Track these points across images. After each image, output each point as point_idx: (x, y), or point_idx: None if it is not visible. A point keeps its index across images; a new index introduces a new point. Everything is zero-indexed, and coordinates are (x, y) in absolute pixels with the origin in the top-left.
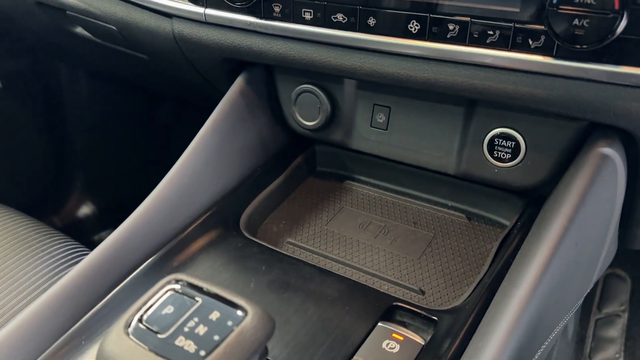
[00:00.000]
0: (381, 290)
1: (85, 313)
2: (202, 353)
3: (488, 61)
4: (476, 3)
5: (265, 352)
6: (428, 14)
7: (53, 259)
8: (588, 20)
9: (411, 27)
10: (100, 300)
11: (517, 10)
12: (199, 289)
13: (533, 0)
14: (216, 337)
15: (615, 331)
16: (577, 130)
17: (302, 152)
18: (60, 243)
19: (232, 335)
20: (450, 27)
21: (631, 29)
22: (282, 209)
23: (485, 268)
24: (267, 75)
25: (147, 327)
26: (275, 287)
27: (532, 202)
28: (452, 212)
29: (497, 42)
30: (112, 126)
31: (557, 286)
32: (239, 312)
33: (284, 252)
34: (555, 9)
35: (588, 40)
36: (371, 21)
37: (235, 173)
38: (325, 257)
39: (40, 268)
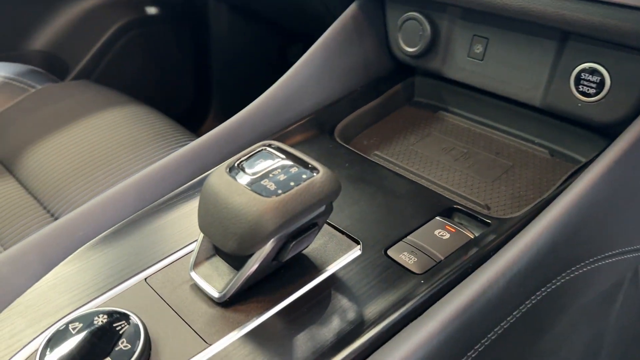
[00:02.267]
0: (446, 196)
1: (200, 174)
2: (279, 191)
3: None
4: None
5: (330, 209)
6: None
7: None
8: None
9: None
10: (214, 166)
11: None
12: (285, 152)
13: None
14: (292, 183)
15: None
16: None
17: (401, 81)
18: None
19: (304, 184)
20: None
21: None
22: (374, 127)
23: (548, 193)
24: (378, 3)
25: (242, 170)
26: (353, 179)
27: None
28: (536, 146)
29: None
30: (247, 60)
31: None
32: (313, 171)
33: (369, 158)
34: None
35: None
36: None
37: (337, 88)
38: (405, 169)
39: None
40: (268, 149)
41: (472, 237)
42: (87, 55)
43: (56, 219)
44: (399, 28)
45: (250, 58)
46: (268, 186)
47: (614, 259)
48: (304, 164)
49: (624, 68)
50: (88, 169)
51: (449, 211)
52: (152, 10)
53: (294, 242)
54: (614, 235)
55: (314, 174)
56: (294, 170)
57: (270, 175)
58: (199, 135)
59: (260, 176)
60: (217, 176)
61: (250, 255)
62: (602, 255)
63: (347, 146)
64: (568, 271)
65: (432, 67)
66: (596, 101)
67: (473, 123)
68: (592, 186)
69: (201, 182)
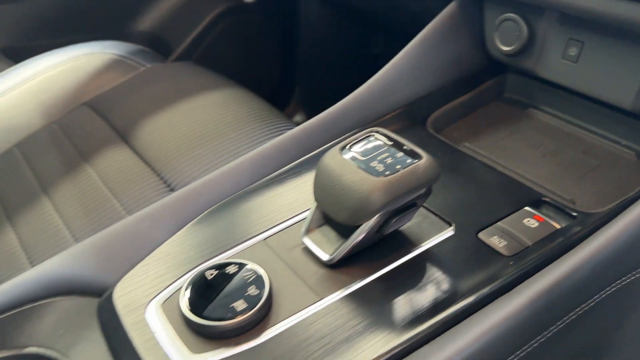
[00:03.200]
0: (535, 189)
1: (306, 155)
2: (387, 173)
3: None
4: None
5: (429, 191)
6: None
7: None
8: None
9: None
10: (317, 149)
11: None
12: (391, 138)
13: None
14: (398, 167)
15: None
16: None
17: (493, 77)
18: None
19: (409, 168)
20: None
21: None
22: (465, 120)
23: (634, 192)
24: (477, 3)
25: (354, 152)
26: (445, 168)
27: None
28: (623, 148)
29: None
30: (331, 48)
31: None
32: (417, 157)
33: (459, 148)
34: None
35: None
36: None
37: (431, 82)
38: (493, 161)
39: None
40: (376, 134)
41: (559, 227)
42: (188, 37)
43: (169, 186)
44: (496, 27)
45: (335, 47)
46: (377, 167)
47: None
48: (409, 150)
49: None
50: (197, 144)
51: (537, 203)
52: None
53: (395, 218)
54: None
55: (418, 160)
56: (400, 155)
57: (379, 158)
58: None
59: (369, 158)
60: (332, 156)
61: (358, 227)
62: None
63: (438, 136)
64: None
65: (525, 66)
66: None
67: (562, 122)
68: None
69: (308, 162)
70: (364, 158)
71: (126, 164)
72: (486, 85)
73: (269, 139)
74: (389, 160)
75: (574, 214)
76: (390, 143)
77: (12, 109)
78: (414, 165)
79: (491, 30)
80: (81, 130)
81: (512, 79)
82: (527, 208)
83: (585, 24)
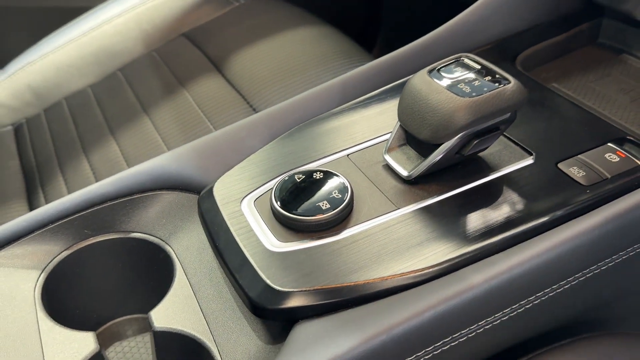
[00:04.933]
0: (620, 128)
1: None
2: (473, 94)
3: None
4: None
5: (513, 117)
6: None
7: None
8: None
9: None
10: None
11: None
12: (480, 63)
13: None
14: (485, 89)
15: None
16: None
17: (589, 21)
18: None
19: (496, 90)
20: None
21: None
22: (555, 62)
23: None
24: None
25: (441, 74)
26: (530, 103)
27: None
28: None
29: None
30: None
31: None
32: (504, 81)
33: (547, 86)
34: None
35: None
36: None
37: (526, 19)
38: (580, 102)
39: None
40: (465, 59)
41: None
42: None
43: (256, 111)
44: None
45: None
46: (464, 89)
47: None
48: (497, 75)
49: None
50: (283, 75)
51: (620, 140)
52: None
53: (477, 141)
54: None
55: (506, 84)
56: (488, 78)
57: (466, 80)
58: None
59: (457, 80)
60: (420, 77)
61: (439, 146)
62: None
63: (527, 74)
64: None
65: (625, 8)
66: None
67: None
68: None
69: (394, 88)
70: (451, 80)
71: (219, 91)
72: (581, 28)
73: None
74: (477, 83)
75: None
76: (479, 67)
77: (117, 35)
78: (501, 88)
79: None
80: (179, 59)
81: (607, 23)
82: (610, 144)
83: None
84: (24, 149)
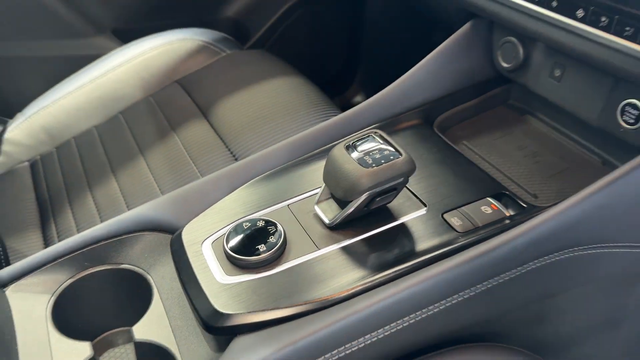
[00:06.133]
0: (504, 183)
1: (329, 144)
2: (374, 165)
3: (623, 49)
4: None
5: (406, 181)
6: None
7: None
8: None
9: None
10: (338, 139)
11: None
12: (384, 139)
13: None
14: (382, 161)
15: None
16: None
17: (500, 86)
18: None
19: (391, 162)
20: (602, 19)
21: None
22: (469, 122)
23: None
24: (487, 25)
25: (354, 148)
26: (436, 161)
27: None
28: (592, 155)
29: (631, 36)
30: (395, 38)
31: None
32: (398, 155)
33: (454, 147)
34: None
35: None
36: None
37: (446, 88)
38: (481, 157)
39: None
40: (373, 135)
41: (507, 214)
42: (265, 26)
43: (234, 156)
44: (499, 47)
45: (397, 37)
46: (367, 160)
47: (614, 250)
48: (393, 149)
49: None
50: (257, 123)
51: (498, 195)
52: None
53: (379, 198)
54: (618, 231)
55: (398, 157)
56: (386, 152)
57: (371, 153)
58: (341, 101)
59: (364, 153)
60: (338, 149)
61: (351, 202)
62: (605, 245)
63: (441, 135)
64: (574, 249)
65: (521, 81)
66: (634, 129)
67: (549, 128)
68: (605, 186)
69: (328, 150)
70: (360, 153)
71: (203, 135)
72: (492, 92)
73: (316, 123)
74: (377, 156)
75: (525, 205)
76: (382, 142)
77: (119, 83)
78: (394, 161)
79: (496, 49)
80: (171, 104)
81: (516, 88)
82: (488, 198)
83: (565, 52)
84: (38, 182)
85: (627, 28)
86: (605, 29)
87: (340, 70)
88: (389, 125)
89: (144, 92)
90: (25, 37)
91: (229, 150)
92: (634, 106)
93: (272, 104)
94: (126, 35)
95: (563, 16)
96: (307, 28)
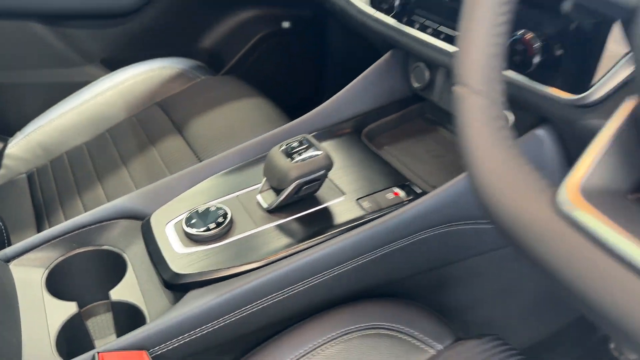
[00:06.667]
0: (408, 176)
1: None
2: (300, 161)
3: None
4: None
5: (326, 174)
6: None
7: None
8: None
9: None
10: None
11: None
12: (310, 141)
13: None
14: (307, 158)
15: None
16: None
17: (417, 102)
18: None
19: (312, 159)
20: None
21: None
22: (393, 131)
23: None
24: (404, 53)
25: (287, 147)
26: (359, 160)
27: None
28: None
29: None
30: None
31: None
32: (319, 152)
33: (375, 150)
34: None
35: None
36: (442, 35)
37: (372, 104)
38: (397, 158)
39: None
40: (304, 139)
41: (406, 199)
42: (237, 55)
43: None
44: (412, 70)
45: (356, 65)
46: (295, 157)
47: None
48: (316, 149)
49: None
50: (222, 137)
51: (402, 186)
52: (286, 24)
53: (305, 187)
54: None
55: (319, 154)
56: (310, 151)
57: (300, 152)
58: None
59: (294, 152)
60: (274, 150)
61: (283, 190)
62: (472, 221)
63: (365, 141)
64: (451, 224)
65: (430, 98)
66: None
67: (453, 135)
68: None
69: None
70: (291, 152)
71: (178, 148)
72: (411, 108)
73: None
74: (303, 154)
75: (419, 191)
76: (308, 144)
77: (106, 105)
78: (315, 157)
79: (410, 72)
80: (151, 123)
81: (428, 104)
82: (393, 187)
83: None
84: (34, 191)
85: (515, 58)
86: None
87: (307, 95)
88: (325, 133)
89: (128, 112)
90: (25, 67)
91: (199, 159)
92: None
93: (237, 122)
94: (113, 63)
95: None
96: (276, 57)
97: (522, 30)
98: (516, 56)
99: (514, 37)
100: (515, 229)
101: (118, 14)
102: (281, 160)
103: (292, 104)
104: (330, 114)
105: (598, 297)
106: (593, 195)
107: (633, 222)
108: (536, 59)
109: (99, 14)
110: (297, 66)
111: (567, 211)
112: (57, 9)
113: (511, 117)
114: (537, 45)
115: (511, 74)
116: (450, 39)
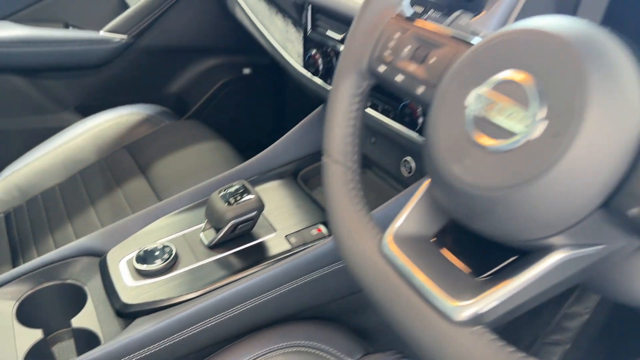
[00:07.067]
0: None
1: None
2: (233, 203)
3: (400, 131)
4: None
5: (258, 215)
6: (383, 105)
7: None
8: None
9: (379, 109)
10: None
11: None
12: (244, 186)
13: None
14: (240, 200)
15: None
16: None
17: None
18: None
19: (244, 202)
20: (390, 114)
21: None
22: None
23: None
24: None
25: (225, 192)
26: (293, 199)
27: None
28: (395, 191)
29: (408, 124)
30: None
31: None
32: (252, 196)
33: (307, 191)
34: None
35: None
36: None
37: (307, 149)
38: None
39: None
40: (240, 184)
41: (328, 235)
42: (201, 100)
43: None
44: None
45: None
46: (231, 201)
47: None
48: (250, 193)
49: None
50: (182, 179)
51: (326, 222)
52: (247, 71)
53: (240, 226)
54: None
55: (252, 197)
56: (245, 195)
57: (235, 196)
58: None
59: (230, 196)
60: (214, 194)
61: (222, 229)
62: None
63: (300, 183)
64: None
65: None
66: (409, 176)
67: (378, 178)
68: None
69: None
70: (227, 196)
71: (142, 190)
72: None
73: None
74: (238, 198)
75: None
76: (243, 188)
77: (78, 149)
78: (247, 200)
79: None
80: (119, 165)
81: None
82: (319, 224)
83: (375, 129)
84: (11, 230)
85: (405, 119)
86: (393, 118)
87: (268, 137)
88: (266, 177)
89: (98, 156)
90: (4, 115)
91: (159, 198)
92: (408, 162)
93: (196, 164)
94: (86, 110)
95: (371, 109)
96: (237, 101)
97: None
98: (406, 117)
99: (403, 103)
100: (352, 264)
101: (91, 66)
102: (219, 204)
103: (252, 145)
104: (273, 158)
105: (388, 305)
106: (403, 240)
107: (424, 257)
108: (421, 119)
109: (74, 66)
110: (257, 109)
111: (384, 251)
112: (36, 64)
113: (413, 164)
114: (419, 109)
115: (407, 130)
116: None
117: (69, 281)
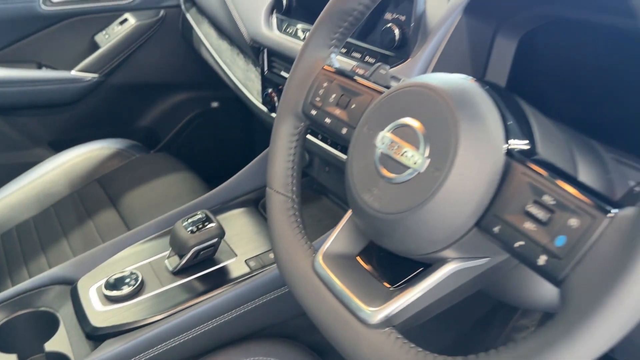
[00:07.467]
0: None
1: None
2: (195, 231)
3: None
4: None
5: (219, 241)
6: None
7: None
8: None
9: (328, 142)
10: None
11: None
12: (206, 215)
13: None
14: (202, 228)
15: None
16: None
17: (306, 176)
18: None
19: (206, 229)
20: (338, 146)
21: None
22: None
23: None
24: None
25: (188, 221)
26: (254, 226)
27: None
28: None
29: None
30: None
31: None
32: (212, 224)
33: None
34: None
35: None
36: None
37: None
38: None
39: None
40: (201, 213)
41: None
42: (171, 132)
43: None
44: None
45: None
46: (193, 229)
47: None
48: (210, 220)
49: None
50: (150, 209)
51: None
52: (215, 104)
53: (202, 252)
54: None
55: (213, 225)
56: (206, 223)
57: (197, 224)
58: None
59: (193, 225)
60: (179, 223)
61: (184, 255)
62: None
63: (261, 211)
64: None
65: (312, 174)
66: None
67: (330, 202)
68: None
69: None
70: (191, 225)
71: (112, 220)
72: (302, 180)
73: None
74: (200, 226)
75: None
76: (205, 217)
77: (51, 183)
78: (209, 228)
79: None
80: (91, 198)
81: (312, 178)
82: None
83: (328, 160)
84: None
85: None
86: (340, 150)
87: (236, 167)
88: (228, 206)
89: (71, 189)
90: None
91: (128, 228)
92: None
93: (164, 194)
94: (59, 145)
95: (321, 141)
96: (206, 133)
97: None
98: None
99: None
100: (289, 280)
101: (64, 103)
102: (182, 232)
103: (220, 176)
104: (235, 188)
105: (316, 313)
106: (331, 258)
107: (347, 271)
108: None
109: (47, 104)
110: (225, 141)
111: (315, 267)
112: (10, 103)
113: None
114: None
115: None
116: (321, 139)
117: (42, 308)
